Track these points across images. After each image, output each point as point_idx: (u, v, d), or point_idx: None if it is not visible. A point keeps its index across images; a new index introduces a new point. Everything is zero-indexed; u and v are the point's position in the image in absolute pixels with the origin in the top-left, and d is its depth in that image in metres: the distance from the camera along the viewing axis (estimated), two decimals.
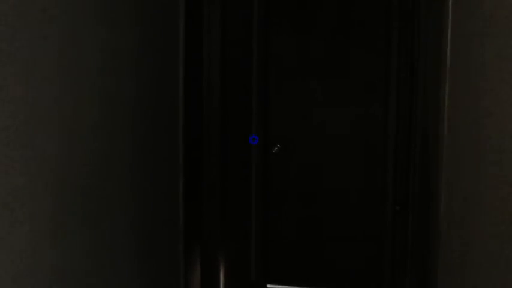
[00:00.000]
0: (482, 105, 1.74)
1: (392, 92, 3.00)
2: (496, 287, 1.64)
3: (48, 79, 1.35)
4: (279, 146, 3.14)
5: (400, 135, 2.97)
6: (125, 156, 1.88)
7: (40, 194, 1.32)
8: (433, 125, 2.30)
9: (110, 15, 1.72)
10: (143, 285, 2.11)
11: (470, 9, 1.89)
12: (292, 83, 3.15)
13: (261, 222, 3.18)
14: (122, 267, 1.87)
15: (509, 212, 1.53)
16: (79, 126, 1.52)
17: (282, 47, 3.13)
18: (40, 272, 1.32)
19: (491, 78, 1.67)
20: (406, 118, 2.87)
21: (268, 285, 3.25)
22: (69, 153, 1.46)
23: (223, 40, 2.69)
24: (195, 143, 2.68)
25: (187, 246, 2.61)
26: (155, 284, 2.24)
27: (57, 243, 1.41)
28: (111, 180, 1.76)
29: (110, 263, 1.77)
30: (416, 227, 2.68)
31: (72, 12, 1.45)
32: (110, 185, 1.75)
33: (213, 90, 2.71)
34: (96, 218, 1.65)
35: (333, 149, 3.14)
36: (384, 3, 3.01)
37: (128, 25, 1.87)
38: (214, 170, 2.76)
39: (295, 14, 3.13)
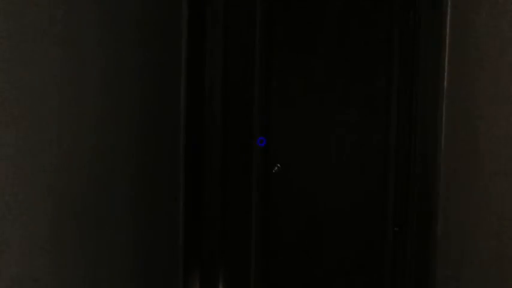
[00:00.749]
0: (479, 129, 1.76)
1: (392, 114, 3.02)
2: None
3: (53, 97, 1.36)
4: (279, 165, 3.16)
5: (399, 158, 2.98)
6: (125, 170, 1.88)
7: (39, 202, 1.32)
8: (432, 147, 2.32)
9: (115, 37, 1.74)
10: None
11: (465, 38, 1.92)
12: (294, 103, 3.17)
13: (261, 241, 3.18)
14: (119, 283, 1.87)
15: (504, 229, 1.53)
16: (80, 142, 1.53)
17: (284, 69, 3.16)
18: (37, 281, 1.31)
19: (487, 101, 1.69)
20: (406, 140, 2.88)
21: None
22: (68, 164, 1.47)
23: (225, 61, 2.73)
24: (196, 162, 2.70)
25: (186, 262, 2.60)
26: None
27: (54, 256, 1.41)
28: (111, 193, 1.76)
29: (108, 279, 1.76)
30: (414, 247, 2.68)
31: (77, 27, 1.47)
32: (109, 198, 1.75)
33: (215, 111, 2.74)
34: (96, 231, 1.65)
35: (333, 170, 3.15)
36: (384, 26, 3.05)
37: (131, 46, 1.89)
38: (215, 189, 2.77)
39: (297, 36, 3.16)
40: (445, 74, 2.10)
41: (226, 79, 2.79)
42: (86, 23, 1.54)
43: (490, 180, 1.64)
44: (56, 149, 1.39)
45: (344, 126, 3.13)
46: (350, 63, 3.11)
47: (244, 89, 2.98)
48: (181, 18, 2.44)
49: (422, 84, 2.53)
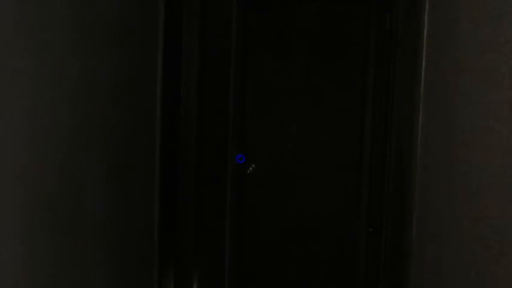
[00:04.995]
0: (454, 133, 1.77)
1: (367, 116, 3.03)
2: None
3: (25, 97, 1.32)
4: (254, 166, 3.14)
5: (374, 159, 3.00)
6: (100, 168, 1.85)
7: (8, 209, 1.28)
8: (407, 149, 2.33)
9: (90, 36, 1.70)
10: None
11: (444, 43, 1.93)
12: (269, 104, 3.16)
13: (236, 242, 3.16)
14: (93, 276, 1.84)
15: (479, 232, 1.55)
16: (52, 145, 1.50)
17: (259, 70, 3.15)
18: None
19: (464, 104, 1.70)
20: (381, 142, 2.90)
21: None
22: (41, 160, 1.43)
23: (201, 65, 2.72)
24: (172, 160, 2.68)
25: (161, 267, 2.59)
26: None
27: (24, 246, 1.37)
28: (85, 187, 1.73)
29: (80, 272, 1.73)
30: (388, 248, 2.70)
31: (52, 33, 1.44)
32: (83, 192, 1.72)
33: (191, 113, 2.73)
34: (68, 225, 1.61)
35: (307, 171, 3.15)
36: (361, 29, 3.06)
37: (107, 47, 1.86)
38: (190, 191, 2.75)
39: (273, 43, 3.15)
40: (422, 76, 2.11)
41: (202, 80, 2.77)
42: (59, 23, 1.50)
43: (465, 180, 1.65)
44: (30, 143, 1.36)
45: (319, 127, 3.13)
46: (326, 66, 3.11)
47: (219, 90, 2.96)
48: (157, 19, 2.41)
49: (398, 86, 2.54)
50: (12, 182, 1.27)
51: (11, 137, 1.26)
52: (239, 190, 3.15)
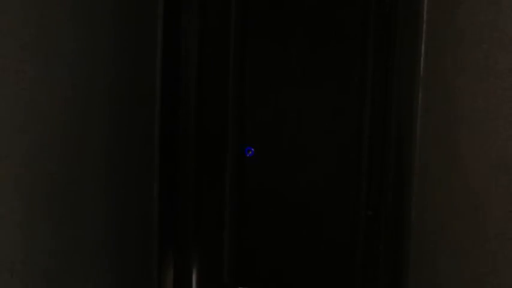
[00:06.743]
0: (453, 113, 1.77)
1: (367, 98, 3.02)
2: None
3: (21, 81, 1.32)
4: (253, 149, 3.14)
5: (374, 142, 2.99)
6: (98, 155, 1.85)
7: (8, 196, 1.28)
8: (407, 132, 2.33)
9: (88, 22, 1.69)
10: (115, 287, 2.08)
11: (444, 23, 1.93)
12: (268, 90, 3.15)
13: (235, 225, 3.17)
14: (92, 270, 1.84)
15: (479, 219, 1.56)
16: (51, 131, 1.49)
17: (259, 55, 3.14)
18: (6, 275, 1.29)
19: (461, 89, 1.70)
20: (381, 124, 2.90)
21: None
22: (41, 155, 1.43)
23: (200, 49, 2.72)
24: (171, 146, 2.68)
25: (161, 248, 2.59)
26: (128, 285, 2.22)
27: (25, 229, 1.38)
28: (84, 179, 1.73)
29: (81, 265, 1.74)
30: (388, 232, 2.71)
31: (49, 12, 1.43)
32: (83, 183, 1.72)
33: (190, 98, 2.73)
34: (68, 218, 1.62)
35: (306, 154, 3.15)
36: (360, 10, 3.04)
37: (106, 35, 1.85)
38: (190, 174, 2.76)
39: (273, 29, 3.14)
40: (421, 58, 2.10)
41: (201, 65, 2.78)
42: (58, 3, 1.49)
43: (466, 162, 1.66)
44: (29, 127, 1.36)
45: (318, 109, 3.13)
46: (324, 49, 3.10)
47: (218, 74, 2.96)
48: (157, 5, 2.40)
49: (398, 70, 2.54)
50: (11, 170, 1.27)
51: (10, 121, 1.26)
52: (239, 173, 3.16)
